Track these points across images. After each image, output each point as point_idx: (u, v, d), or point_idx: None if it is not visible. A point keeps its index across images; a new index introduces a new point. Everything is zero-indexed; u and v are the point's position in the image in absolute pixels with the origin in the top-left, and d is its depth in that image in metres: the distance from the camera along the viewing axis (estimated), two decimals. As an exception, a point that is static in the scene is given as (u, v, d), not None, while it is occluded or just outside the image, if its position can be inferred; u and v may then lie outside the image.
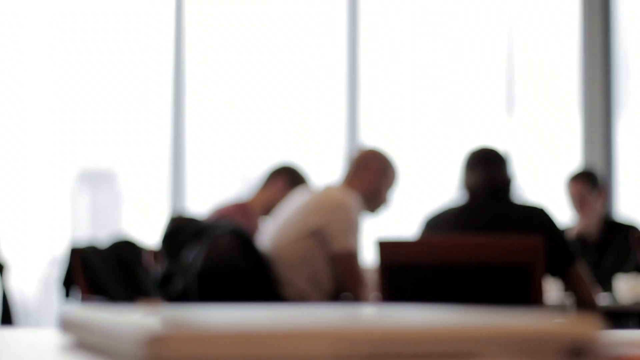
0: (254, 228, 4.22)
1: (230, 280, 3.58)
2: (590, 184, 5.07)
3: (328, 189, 3.83)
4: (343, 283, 3.78)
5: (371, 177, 3.91)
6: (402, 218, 5.99)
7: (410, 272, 3.18)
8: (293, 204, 3.86)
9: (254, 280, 3.64)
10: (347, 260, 3.72)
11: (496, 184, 3.54)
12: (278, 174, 4.45)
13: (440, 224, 3.55)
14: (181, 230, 3.70)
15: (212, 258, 3.55)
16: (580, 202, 5.02)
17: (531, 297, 3.05)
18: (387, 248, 3.20)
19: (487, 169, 3.55)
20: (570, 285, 3.51)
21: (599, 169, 5.90)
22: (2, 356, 0.54)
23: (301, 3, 6.86)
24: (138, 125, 6.45)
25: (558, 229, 3.47)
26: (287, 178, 4.40)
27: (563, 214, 5.44)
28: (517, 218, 3.45)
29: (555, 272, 3.45)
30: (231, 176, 6.59)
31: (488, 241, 3.14)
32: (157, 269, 3.78)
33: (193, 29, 6.55)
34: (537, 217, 3.45)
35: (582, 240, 5.02)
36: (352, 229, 3.73)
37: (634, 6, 7.03)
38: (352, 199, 3.75)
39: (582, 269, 3.50)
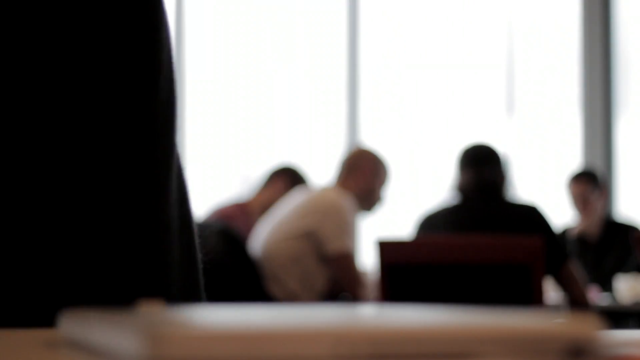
0: (253, 228, 4.22)
1: (216, 280, 3.59)
2: (592, 184, 5.06)
3: (323, 191, 3.85)
4: (341, 284, 3.79)
5: (364, 176, 3.93)
6: (402, 218, 5.98)
7: (410, 272, 3.18)
8: (289, 205, 3.87)
9: (240, 280, 3.66)
10: (343, 261, 3.73)
11: (486, 183, 3.55)
12: (278, 174, 4.45)
13: (433, 225, 3.57)
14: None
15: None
16: (582, 201, 5.01)
17: (531, 297, 3.05)
18: (387, 248, 3.20)
19: (477, 169, 3.56)
20: (563, 284, 3.50)
21: (599, 169, 5.90)
22: (2, 356, 0.54)
23: (301, 3, 6.86)
24: (138, 125, 6.45)
25: (551, 228, 3.46)
26: (288, 179, 4.41)
27: (563, 213, 5.44)
28: (509, 217, 3.45)
29: (548, 271, 3.44)
30: (231, 176, 6.59)
31: (488, 241, 3.14)
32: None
33: (193, 29, 6.55)
34: (530, 216, 3.45)
35: (582, 240, 5.02)
36: (346, 230, 3.74)
37: (634, 7, 7.03)
38: (347, 201, 3.77)
39: (575, 268, 3.50)
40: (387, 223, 5.85)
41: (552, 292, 4.58)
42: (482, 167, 3.56)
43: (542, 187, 6.76)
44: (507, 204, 3.51)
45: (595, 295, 4.59)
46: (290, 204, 3.86)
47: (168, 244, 0.87)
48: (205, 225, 3.72)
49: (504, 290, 3.09)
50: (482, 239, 3.22)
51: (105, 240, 0.83)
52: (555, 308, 4.30)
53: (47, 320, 0.79)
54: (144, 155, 0.82)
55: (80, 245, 0.82)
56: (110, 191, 0.81)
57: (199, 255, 0.98)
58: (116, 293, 0.83)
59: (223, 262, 3.61)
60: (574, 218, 5.13)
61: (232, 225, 3.88)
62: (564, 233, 5.10)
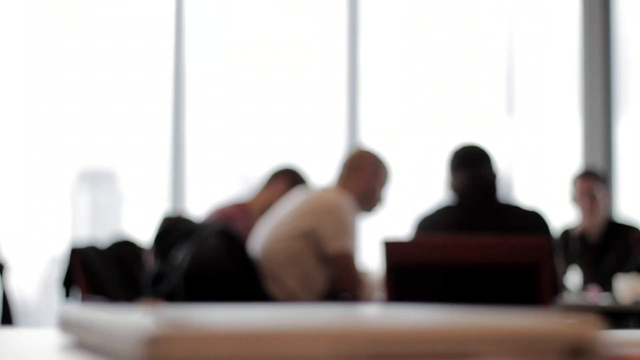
0: (253, 228, 4.22)
1: (216, 280, 3.59)
2: (599, 183, 5.06)
3: (323, 191, 3.84)
4: (341, 284, 3.79)
5: (365, 177, 3.92)
6: (403, 219, 5.98)
7: (416, 272, 3.17)
8: (288, 205, 3.87)
9: (240, 280, 3.66)
10: (343, 261, 3.73)
11: (482, 183, 3.57)
12: (279, 175, 4.45)
13: (432, 226, 3.58)
14: (172, 230, 3.71)
15: (198, 258, 3.57)
16: (589, 199, 4.99)
17: (538, 298, 3.04)
18: (392, 248, 3.19)
19: (472, 169, 3.58)
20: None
21: (599, 169, 5.90)
22: (2, 356, 0.54)
23: (301, 3, 6.86)
24: (138, 125, 6.45)
25: (551, 236, 3.48)
26: (289, 180, 4.40)
27: (563, 214, 5.44)
28: (509, 219, 3.47)
29: None
30: (231, 176, 6.59)
31: (494, 242, 3.14)
32: (150, 269, 3.80)
33: (193, 30, 6.55)
34: (533, 221, 3.47)
35: (582, 240, 5.01)
36: (346, 231, 3.73)
37: (634, 6, 7.03)
38: (346, 201, 3.76)
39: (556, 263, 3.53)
40: (387, 223, 5.85)
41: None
42: (476, 166, 3.58)
43: (542, 187, 6.75)
44: (508, 206, 3.53)
45: (596, 295, 4.59)
46: (290, 204, 3.86)
47: None
48: (205, 225, 3.72)
49: (510, 290, 3.09)
50: (489, 239, 3.22)
51: None
52: (562, 309, 4.29)
53: None
54: None
55: None
56: None
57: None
58: None
59: (223, 262, 3.61)
60: (577, 217, 5.12)
61: (232, 225, 3.88)
62: (566, 233, 5.09)
